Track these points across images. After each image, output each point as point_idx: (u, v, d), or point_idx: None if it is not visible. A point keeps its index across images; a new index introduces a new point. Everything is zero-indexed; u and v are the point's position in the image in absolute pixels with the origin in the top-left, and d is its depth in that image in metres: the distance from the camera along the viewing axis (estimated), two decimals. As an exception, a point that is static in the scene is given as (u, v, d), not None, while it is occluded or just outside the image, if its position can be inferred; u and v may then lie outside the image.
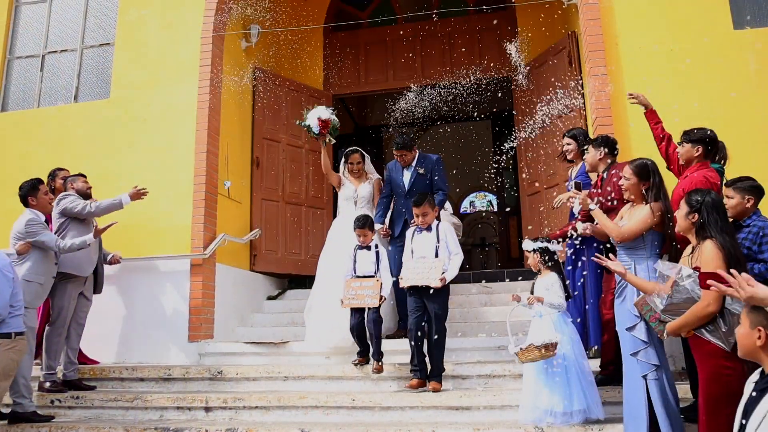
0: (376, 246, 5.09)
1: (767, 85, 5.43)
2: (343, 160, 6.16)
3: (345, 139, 10.83)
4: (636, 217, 3.66)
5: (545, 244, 4.18)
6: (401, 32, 8.66)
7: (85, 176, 5.55)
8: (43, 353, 5.16)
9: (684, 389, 4.03)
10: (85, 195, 5.44)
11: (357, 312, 4.90)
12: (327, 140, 6.06)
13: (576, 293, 4.88)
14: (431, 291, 4.60)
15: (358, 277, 4.99)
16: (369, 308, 4.84)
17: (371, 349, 4.91)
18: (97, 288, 5.51)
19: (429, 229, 4.85)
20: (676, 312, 3.19)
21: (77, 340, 5.37)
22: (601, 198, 4.20)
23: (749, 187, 3.79)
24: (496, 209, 13.75)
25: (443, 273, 4.64)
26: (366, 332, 4.90)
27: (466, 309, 6.29)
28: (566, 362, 3.90)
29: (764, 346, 2.08)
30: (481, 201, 17.91)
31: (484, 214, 16.48)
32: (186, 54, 6.64)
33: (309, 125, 5.94)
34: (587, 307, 4.76)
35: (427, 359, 4.72)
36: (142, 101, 6.66)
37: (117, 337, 6.11)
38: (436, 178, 5.65)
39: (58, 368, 5.21)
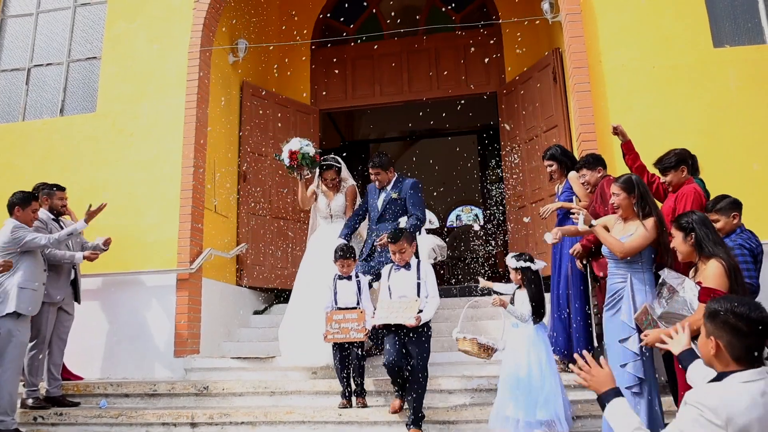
0: (357, 275, 4.81)
1: (746, 102, 5.55)
2: (317, 174, 5.86)
3: (332, 153, 10.89)
4: (638, 233, 3.73)
5: (528, 263, 4.24)
6: (388, 48, 8.74)
7: (63, 190, 5.51)
8: (25, 370, 5.11)
9: (668, 402, 4.06)
10: (58, 213, 5.43)
11: (340, 347, 4.65)
12: (305, 174, 5.71)
13: (559, 298, 4.94)
14: (411, 334, 4.28)
15: (340, 309, 4.70)
16: (354, 344, 4.63)
17: (352, 388, 4.73)
18: (77, 298, 5.47)
19: (408, 266, 4.48)
20: (670, 320, 3.27)
21: (60, 355, 5.32)
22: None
23: (729, 205, 3.89)
24: (482, 223, 13.81)
25: (419, 312, 4.28)
26: (350, 369, 4.71)
27: (453, 323, 6.29)
28: (532, 374, 3.95)
29: (716, 355, 2.09)
30: (467, 215, 18.00)
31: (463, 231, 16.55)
32: (173, 68, 6.65)
33: (282, 159, 5.72)
34: (572, 320, 4.81)
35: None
36: (129, 115, 6.65)
37: (102, 352, 6.06)
38: (411, 202, 5.23)
39: (41, 384, 5.15)
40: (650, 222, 3.73)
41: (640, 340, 3.53)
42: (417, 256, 4.79)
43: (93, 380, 5.77)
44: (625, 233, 3.79)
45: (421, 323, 4.27)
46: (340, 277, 4.79)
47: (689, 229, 3.34)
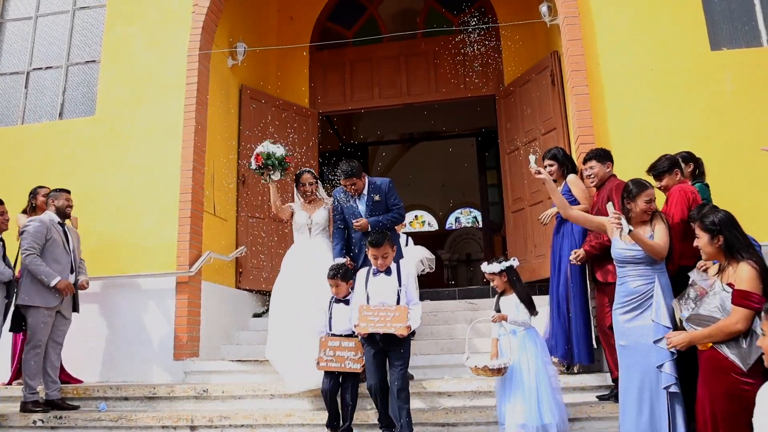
0: None
1: (744, 104, 5.57)
2: (294, 184, 5.63)
3: (331, 156, 10.90)
4: (661, 231, 3.80)
5: (509, 263, 4.18)
6: (387, 51, 8.77)
7: (68, 192, 5.50)
8: (23, 373, 5.11)
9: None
10: (64, 214, 5.40)
11: (333, 376, 4.36)
12: (271, 177, 5.37)
13: (558, 299, 4.94)
14: (397, 344, 4.11)
15: (335, 335, 4.39)
16: (348, 374, 4.31)
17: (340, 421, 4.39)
18: (75, 307, 5.44)
19: (388, 271, 4.28)
20: (698, 323, 3.24)
21: (56, 358, 5.29)
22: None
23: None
24: (481, 225, 13.84)
25: (408, 321, 4.11)
26: (339, 399, 4.39)
27: (452, 325, 6.32)
28: (536, 378, 3.93)
29: None
30: (466, 217, 18.03)
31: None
32: (172, 71, 6.66)
33: (250, 163, 5.40)
34: (571, 323, 4.82)
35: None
36: (128, 119, 6.66)
37: (101, 355, 6.06)
38: (391, 201, 5.15)
39: (40, 388, 5.15)
40: (662, 215, 3.86)
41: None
42: (399, 256, 4.60)
43: (92, 383, 5.77)
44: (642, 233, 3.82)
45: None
46: (337, 300, 4.49)
47: (716, 231, 3.28)
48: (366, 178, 5.21)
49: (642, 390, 3.67)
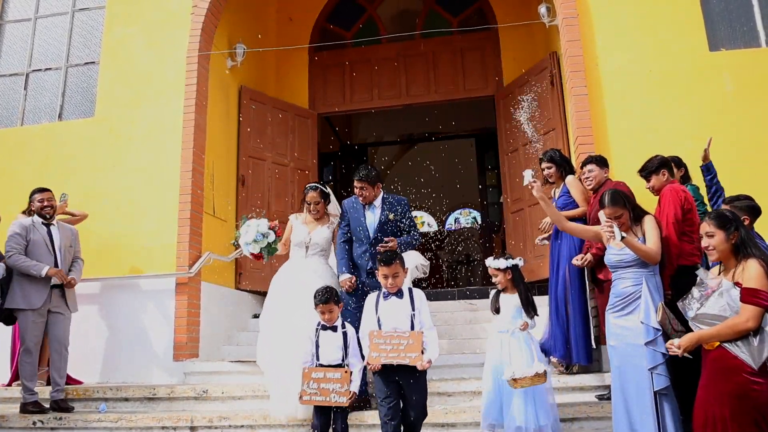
0: (344, 326, 4.05)
1: (742, 105, 5.59)
2: (303, 197, 5.23)
3: (331, 157, 10.91)
4: (652, 233, 3.80)
5: (515, 261, 4.10)
6: (386, 52, 8.78)
7: (48, 191, 5.38)
8: (20, 376, 5.11)
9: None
10: (41, 214, 5.33)
11: (321, 410, 3.93)
12: (267, 257, 5.27)
13: (557, 300, 4.95)
14: (411, 376, 3.78)
15: (322, 366, 3.95)
16: (336, 408, 3.90)
17: None
18: (70, 306, 5.34)
19: (399, 294, 3.93)
20: (706, 322, 3.20)
21: (59, 359, 5.18)
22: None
23: (745, 206, 3.89)
24: (480, 226, 13.84)
25: (424, 349, 3.78)
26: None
27: (451, 326, 6.33)
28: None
29: None
30: (465, 218, 18.04)
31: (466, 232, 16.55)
32: (171, 73, 6.67)
33: (241, 247, 5.21)
34: (570, 323, 4.83)
35: None
36: (128, 120, 6.67)
37: (101, 356, 6.06)
38: (407, 222, 4.92)
39: (38, 389, 5.14)
40: (651, 218, 3.85)
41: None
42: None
43: (92, 384, 5.77)
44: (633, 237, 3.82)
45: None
46: (324, 327, 4.02)
47: (734, 228, 3.21)
48: (381, 191, 4.99)
49: (630, 391, 3.68)
